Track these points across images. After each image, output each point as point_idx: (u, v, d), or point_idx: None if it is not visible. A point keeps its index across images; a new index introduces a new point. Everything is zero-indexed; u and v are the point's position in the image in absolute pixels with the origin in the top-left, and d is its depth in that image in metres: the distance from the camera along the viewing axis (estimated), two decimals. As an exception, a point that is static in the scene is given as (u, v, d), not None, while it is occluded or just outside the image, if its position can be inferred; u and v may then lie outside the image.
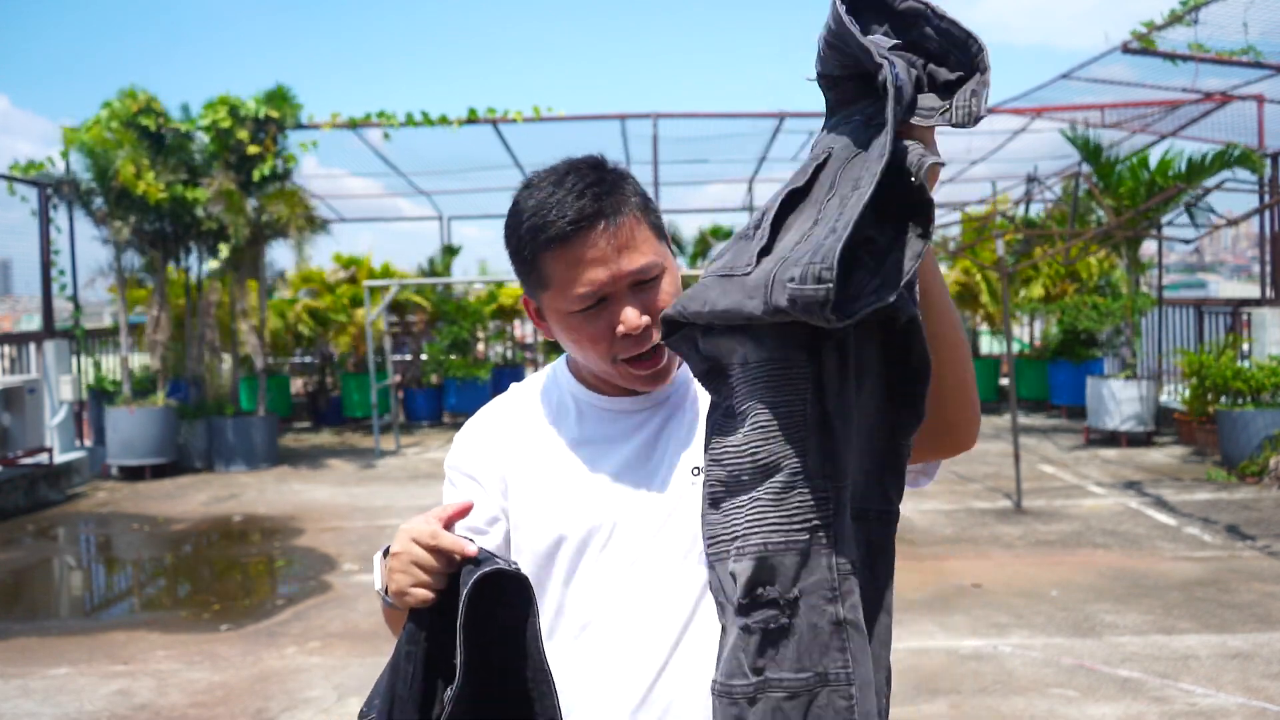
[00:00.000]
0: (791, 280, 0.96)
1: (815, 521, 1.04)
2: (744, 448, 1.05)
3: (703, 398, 1.37)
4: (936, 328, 1.14)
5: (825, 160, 1.08)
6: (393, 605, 1.20)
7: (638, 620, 1.29)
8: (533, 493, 1.35)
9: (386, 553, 1.21)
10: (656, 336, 1.26)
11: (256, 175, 9.83)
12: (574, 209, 1.25)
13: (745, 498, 1.06)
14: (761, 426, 1.05)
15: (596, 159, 1.33)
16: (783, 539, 1.03)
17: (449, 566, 1.15)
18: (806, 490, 1.04)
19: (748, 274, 1.03)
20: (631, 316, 1.26)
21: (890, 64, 0.98)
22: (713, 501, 1.09)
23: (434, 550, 1.14)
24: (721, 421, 1.10)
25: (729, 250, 1.10)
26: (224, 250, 9.84)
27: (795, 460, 1.04)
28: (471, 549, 1.14)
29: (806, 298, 0.95)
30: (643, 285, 1.28)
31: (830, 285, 0.93)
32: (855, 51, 1.02)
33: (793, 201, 1.08)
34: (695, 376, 1.13)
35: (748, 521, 1.05)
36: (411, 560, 1.15)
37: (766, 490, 1.04)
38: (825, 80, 1.11)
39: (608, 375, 1.33)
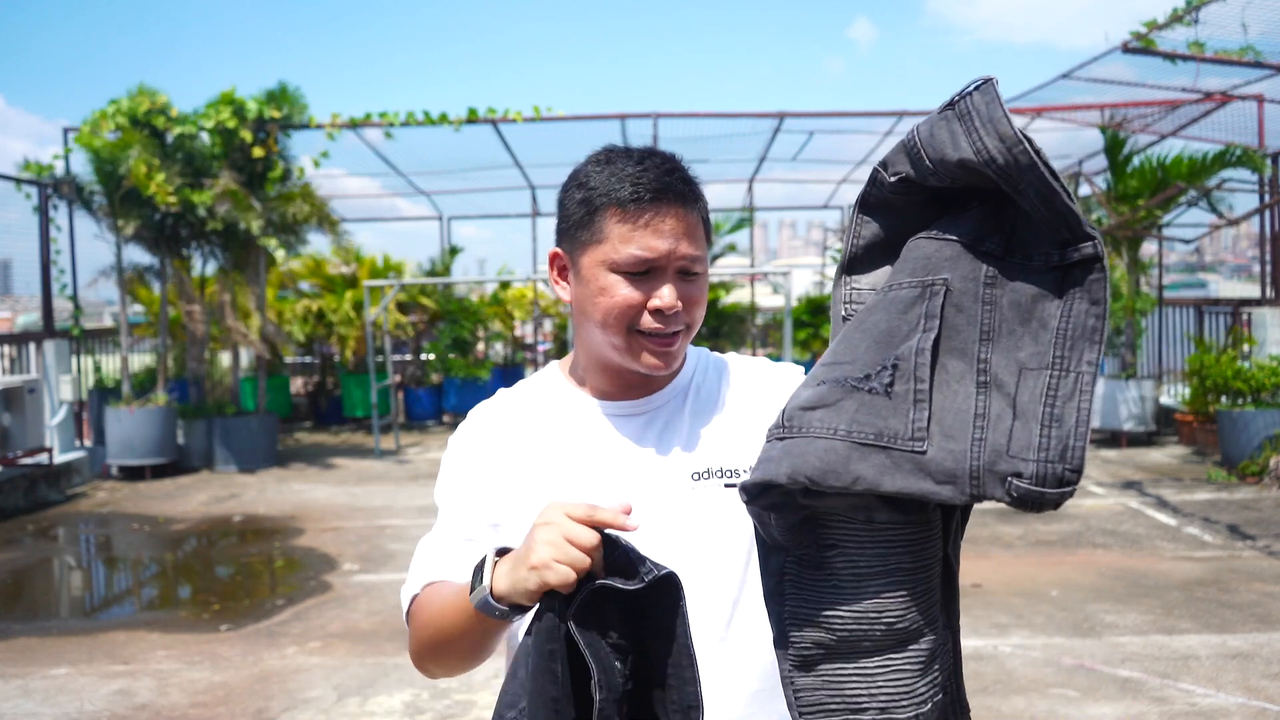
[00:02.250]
0: (1019, 476, 0.90)
1: (945, 677, 1.01)
2: (873, 614, 0.98)
3: (697, 404, 1.39)
4: None
5: (946, 293, 0.98)
6: (494, 610, 1.11)
7: None
8: (527, 501, 1.34)
9: (500, 554, 1.14)
10: (678, 325, 1.30)
11: (270, 187, 9.86)
12: (660, 182, 1.28)
13: (872, 664, 0.98)
14: (901, 594, 0.98)
15: (676, 156, 1.35)
16: (929, 706, 0.99)
17: (598, 548, 1.06)
18: (943, 651, 1.01)
19: (921, 452, 0.94)
20: (668, 295, 1.28)
21: (1096, 236, 0.93)
22: (803, 664, 1.00)
23: (591, 524, 1.06)
24: (823, 581, 0.99)
25: (844, 402, 0.98)
26: (233, 248, 9.83)
27: (934, 625, 0.99)
28: (631, 524, 1.06)
29: (1042, 499, 0.90)
30: (686, 275, 1.31)
31: (1075, 488, 0.90)
32: (1032, 192, 0.93)
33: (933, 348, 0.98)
34: (781, 527, 1.03)
35: (890, 692, 0.98)
36: (564, 535, 1.05)
37: (908, 660, 0.98)
38: (902, 182, 1.03)
39: (614, 346, 1.32)
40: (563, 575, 1.03)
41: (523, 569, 1.07)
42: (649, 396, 1.39)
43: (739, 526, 1.31)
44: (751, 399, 1.40)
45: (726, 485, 1.33)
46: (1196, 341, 9.68)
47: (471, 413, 1.45)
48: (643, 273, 1.29)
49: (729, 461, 1.35)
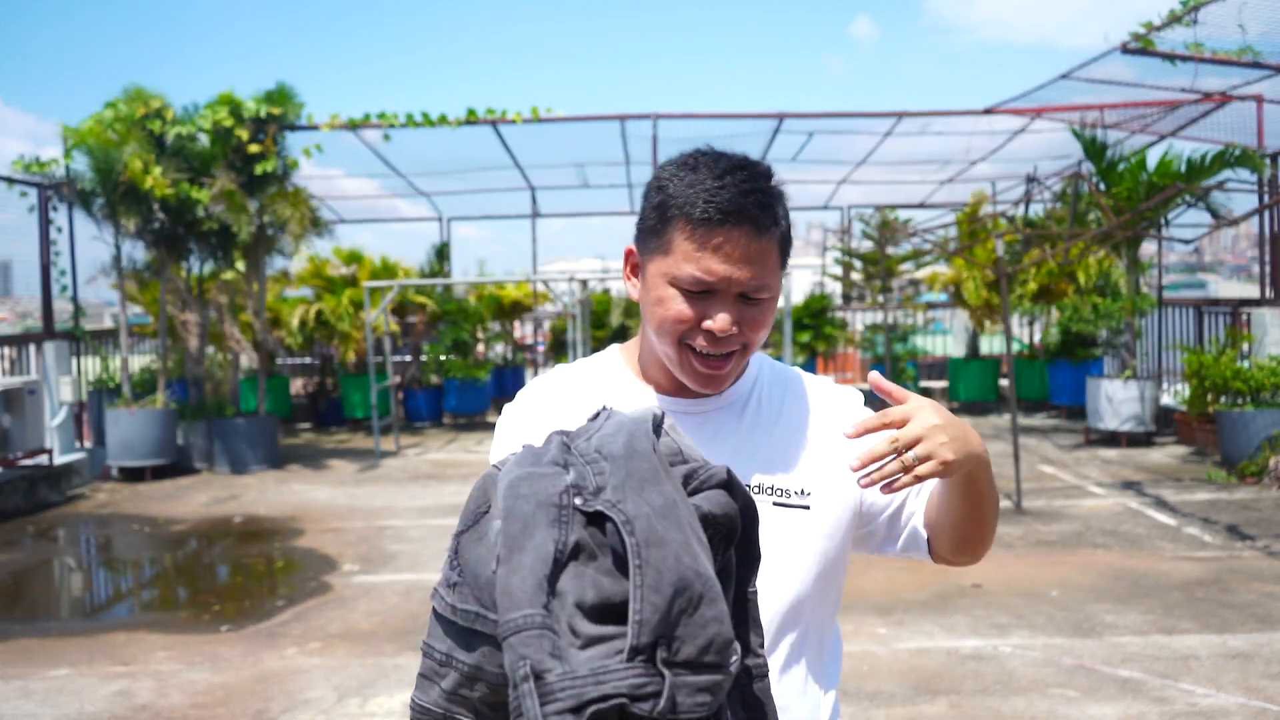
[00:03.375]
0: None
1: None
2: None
3: (756, 415, 1.39)
4: (974, 530, 1.35)
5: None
6: None
7: None
8: None
9: None
10: (733, 346, 1.30)
11: (259, 170, 9.80)
12: (733, 203, 1.25)
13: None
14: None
15: (768, 169, 1.32)
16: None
17: None
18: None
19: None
20: (723, 320, 1.28)
21: None
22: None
23: None
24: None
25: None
26: (238, 254, 9.83)
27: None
28: None
29: None
30: (747, 299, 1.29)
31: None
32: None
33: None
34: None
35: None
36: None
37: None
38: None
39: (667, 356, 1.33)
40: None
41: None
42: (707, 398, 1.39)
43: (785, 546, 1.32)
44: (811, 420, 1.40)
45: (775, 504, 1.33)
46: (1189, 352, 9.65)
47: (529, 384, 1.46)
48: (701, 292, 1.28)
49: (780, 480, 1.34)
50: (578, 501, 0.95)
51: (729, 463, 1.32)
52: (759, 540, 1.05)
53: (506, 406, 1.44)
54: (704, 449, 1.34)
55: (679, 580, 0.89)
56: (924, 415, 1.20)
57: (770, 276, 1.30)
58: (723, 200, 1.25)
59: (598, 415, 1.09)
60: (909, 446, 1.19)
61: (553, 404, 1.40)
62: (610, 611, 0.90)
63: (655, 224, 1.31)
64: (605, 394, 1.40)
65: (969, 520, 1.32)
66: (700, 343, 1.30)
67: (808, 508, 1.34)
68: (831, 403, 1.42)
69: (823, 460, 1.36)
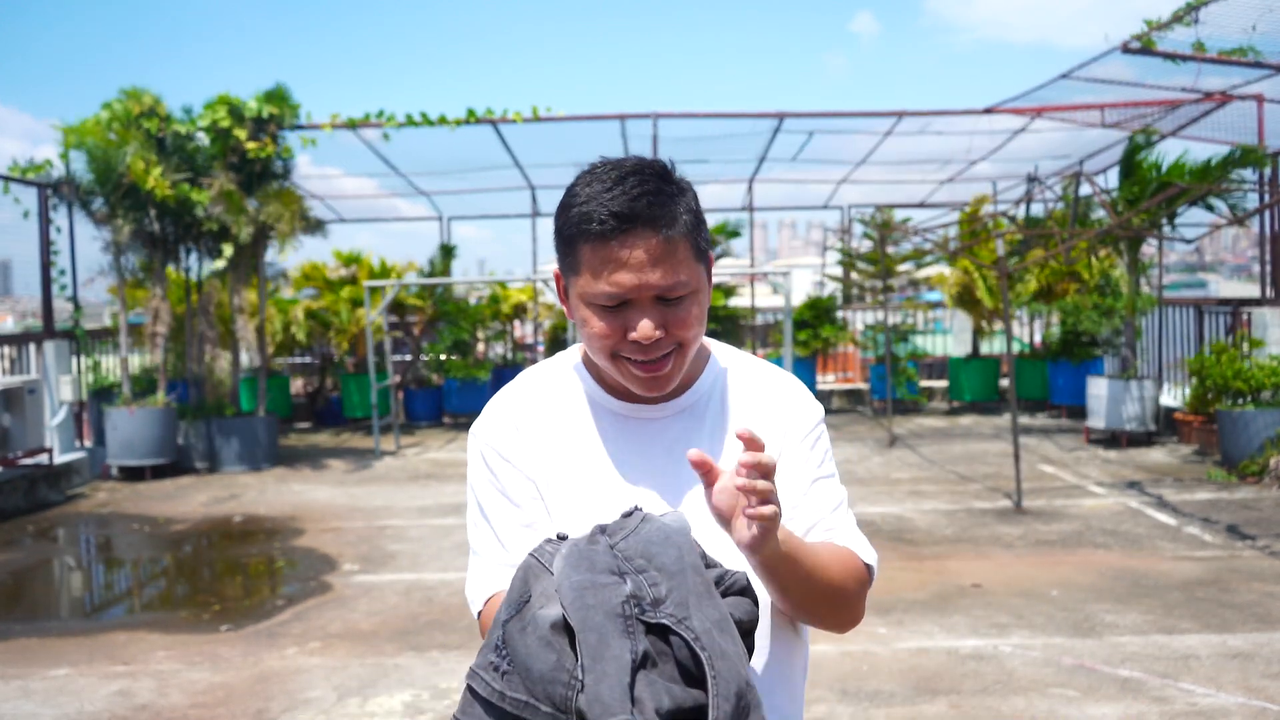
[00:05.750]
0: None
1: None
2: None
3: (714, 415, 1.38)
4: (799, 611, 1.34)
5: None
6: None
7: None
8: (547, 495, 1.35)
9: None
10: (665, 349, 1.28)
11: (254, 152, 9.76)
12: (625, 208, 1.24)
13: None
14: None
15: (663, 166, 1.31)
16: None
17: None
18: None
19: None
20: (645, 327, 1.26)
21: None
22: None
23: None
24: None
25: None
26: (227, 250, 9.81)
27: None
28: None
29: None
30: (667, 301, 1.28)
31: None
32: None
33: None
34: None
35: None
36: None
37: None
38: None
39: (607, 369, 1.33)
40: None
41: None
42: (665, 402, 1.38)
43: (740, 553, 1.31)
44: (770, 419, 1.39)
45: None
46: (1203, 359, 9.61)
47: (494, 401, 1.45)
48: (618, 305, 1.27)
49: None
50: (637, 612, 1.05)
51: (687, 471, 1.32)
52: (754, 635, 1.18)
53: (475, 426, 1.42)
54: (664, 456, 1.34)
55: (739, 689, 1.03)
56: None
57: (684, 273, 1.27)
58: (615, 209, 1.23)
59: (631, 514, 1.15)
60: (762, 494, 1.14)
61: (522, 423, 1.39)
62: (679, 717, 1.03)
63: (563, 246, 1.31)
64: (563, 405, 1.40)
65: (778, 593, 1.28)
66: (630, 352, 1.29)
67: None
68: (788, 401, 1.40)
69: (779, 461, 1.34)
